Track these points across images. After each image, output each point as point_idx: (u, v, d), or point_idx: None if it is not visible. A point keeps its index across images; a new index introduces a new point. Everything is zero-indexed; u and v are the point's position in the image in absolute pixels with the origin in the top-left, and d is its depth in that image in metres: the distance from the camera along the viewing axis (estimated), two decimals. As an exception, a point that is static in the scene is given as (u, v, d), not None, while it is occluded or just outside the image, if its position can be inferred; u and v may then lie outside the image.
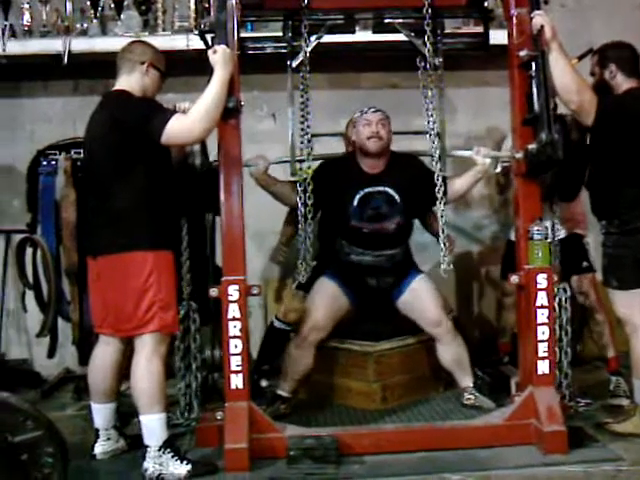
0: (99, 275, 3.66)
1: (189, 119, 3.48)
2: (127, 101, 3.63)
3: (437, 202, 4.03)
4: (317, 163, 4.37)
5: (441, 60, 4.19)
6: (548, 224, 4.11)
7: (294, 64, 4.17)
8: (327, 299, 4.38)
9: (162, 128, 3.46)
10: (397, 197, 4.34)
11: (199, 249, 4.48)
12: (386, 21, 4.31)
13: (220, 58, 3.56)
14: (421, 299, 4.42)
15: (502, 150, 4.55)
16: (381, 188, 4.35)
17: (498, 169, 4.58)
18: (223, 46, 3.59)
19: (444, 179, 4.13)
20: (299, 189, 4.07)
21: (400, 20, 4.28)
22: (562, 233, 4.45)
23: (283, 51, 4.26)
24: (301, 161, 4.16)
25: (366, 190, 4.34)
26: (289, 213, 4.82)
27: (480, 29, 4.46)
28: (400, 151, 4.49)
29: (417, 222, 4.70)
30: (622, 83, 3.95)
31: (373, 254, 4.40)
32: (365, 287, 4.46)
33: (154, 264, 3.55)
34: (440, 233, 4.03)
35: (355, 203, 4.33)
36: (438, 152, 4.09)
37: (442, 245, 4.02)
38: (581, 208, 4.64)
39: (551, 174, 3.97)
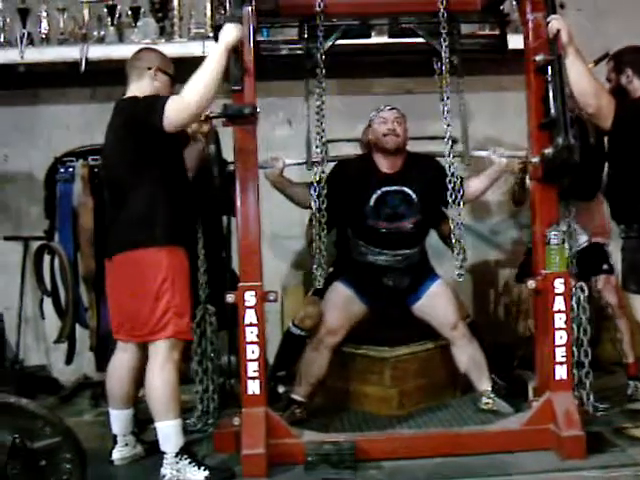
0: (115, 277, 3.69)
1: (183, 96, 3.48)
2: (134, 102, 3.67)
3: (452, 205, 4.04)
4: (332, 164, 4.38)
5: (458, 60, 4.19)
6: (564, 226, 4.11)
7: (308, 66, 4.18)
8: (341, 303, 4.39)
9: (161, 114, 3.47)
10: (414, 196, 4.35)
11: (215, 253, 4.49)
12: (402, 23, 4.31)
13: (222, 33, 3.57)
14: (437, 303, 4.43)
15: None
16: (398, 187, 4.35)
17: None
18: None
19: (461, 179, 4.14)
20: (313, 193, 4.07)
21: (416, 23, 4.28)
22: (584, 239, 4.43)
23: (299, 55, 4.27)
24: (316, 162, 4.15)
25: (383, 189, 4.34)
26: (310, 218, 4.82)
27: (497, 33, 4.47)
28: (417, 152, 4.49)
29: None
30: (639, 87, 3.93)
31: (390, 254, 4.39)
32: (381, 288, 4.43)
33: (169, 268, 3.57)
34: (452, 238, 4.04)
35: (372, 202, 4.33)
36: (452, 154, 4.08)
37: (455, 251, 4.02)
38: (602, 217, 4.62)
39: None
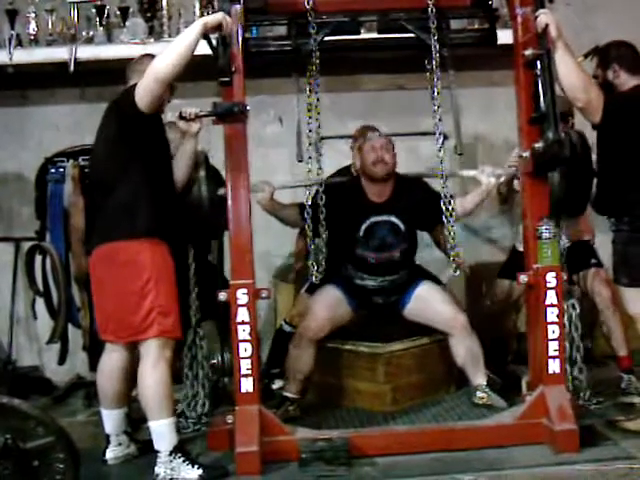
0: (97, 274, 3.67)
1: (148, 69, 3.48)
2: (116, 98, 3.70)
3: (444, 221, 4.05)
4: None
5: (448, 54, 4.19)
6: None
7: (298, 63, 4.19)
8: (327, 302, 4.40)
9: (133, 95, 3.49)
10: (402, 226, 4.41)
11: (207, 267, 4.49)
12: (391, 19, 4.30)
13: None
14: (429, 302, 4.44)
15: (510, 160, 4.55)
16: (386, 217, 4.40)
17: (501, 179, 4.58)
18: None
19: (451, 198, 4.17)
20: (306, 213, 4.09)
21: (405, 19, 4.28)
22: (566, 243, 4.46)
23: (288, 52, 4.26)
24: (306, 186, 4.18)
25: (372, 220, 4.39)
26: (300, 230, 4.83)
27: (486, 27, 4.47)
28: (406, 174, 4.51)
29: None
30: (626, 81, 3.95)
31: (378, 279, 4.46)
32: (370, 303, 4.50)
33: (152, 266, 3.56)
34: (448, 250, 4.08)
35: (361, 233, 4.39)
36: (442, 161, 4.08)
37: (450, 263, 4.06)
38: (585, 219, 4.65)
39: (558, 190, 3.95)
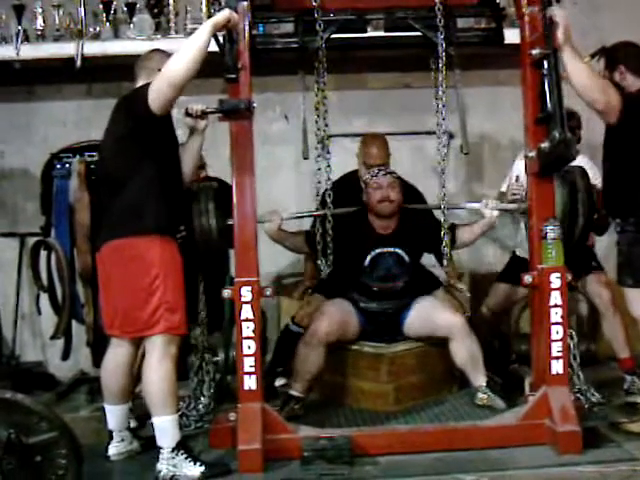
0: (105, 270, 3.67)
1: (162, 72, 3.48)
2: (127, 96, 3.71)
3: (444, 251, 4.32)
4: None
5: (454, 53, 4.19)
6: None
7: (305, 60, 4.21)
8: (341, 308, 4.43)
9: (146, 96, 3.48)
10: (407, 258, 4.46)
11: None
12: (398, 17, 4.30)
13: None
14: (428, 311, 4.46)
15: (513, 189, 4.56)
16: (392, 249, 4.45)
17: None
18: None
19: (453, 227, 4.40)
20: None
21: (412, 17, 4.28)
22: None
23: (294, 50, 4.27)
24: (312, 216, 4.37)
25: (377, 251, 4.44)
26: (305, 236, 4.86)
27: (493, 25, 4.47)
28: (410, 206, 4.55)
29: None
30: (633, 83, 3.94)
31: (382, 303, 4.50)
32: (374, 321, 4.52)
33: (161, 262, 3.56)
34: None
35: (367, 263, 4.42)
36: (444, 159, 4.22)
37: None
38: None
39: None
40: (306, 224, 4.65)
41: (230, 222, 3.87)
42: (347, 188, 4.61)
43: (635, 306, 4.00)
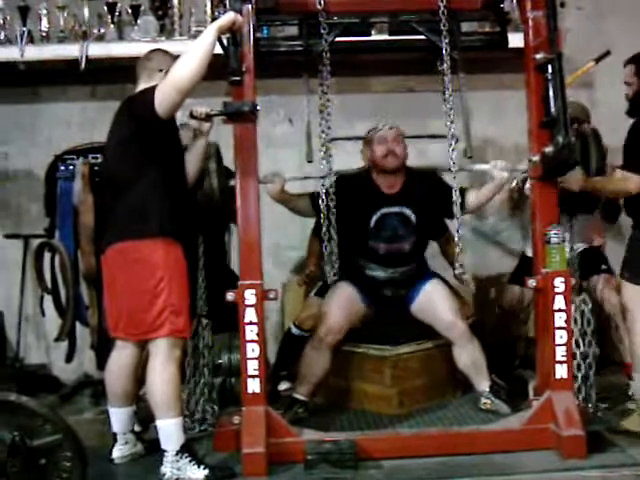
0: (110, 272, 3.68)
1: (169, 76, 3.47)
2: (132, 98, 3.70)
3: (454, 216, 4.06)
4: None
5: (458, 55, 4.18)
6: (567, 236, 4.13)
7: (309, 63, 4.20)
8: (343, 302, 4.40)
9: (152, 100, 3.47)
10: (413, 217, 4.40)
11: (216, 258, 4.49)
12: (402, 20, 4.30)
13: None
14: (435, 302, 4.44)
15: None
16: (397, 209, 4.40)
17: (513, 184, 4.58)
18: None
19: (462, 191, 4.20)
20: (321, 204, 4.09)
21: (417, 21, 4.28)
22: (580, 247, 4.45)
23: (298, 53, 4.27)
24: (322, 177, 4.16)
25: (383, 211, 4.39)
26: (313, 231, 4.83)
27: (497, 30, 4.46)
28: (417, 167, 4.50)
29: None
30: None
31: (388, 270, 4.47)
32: (380, 296, 4.49)
33: (166, 265, 3.57)
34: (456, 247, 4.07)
35: (372, 224, 4.38)
36: (454, 163, 4.06)
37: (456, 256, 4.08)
38: (597, 221, 4.65)
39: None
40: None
41: (232, 183, 3.88)
42: (352, 183, 4.58)
43: (626, 297, 4.08)
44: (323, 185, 4.07)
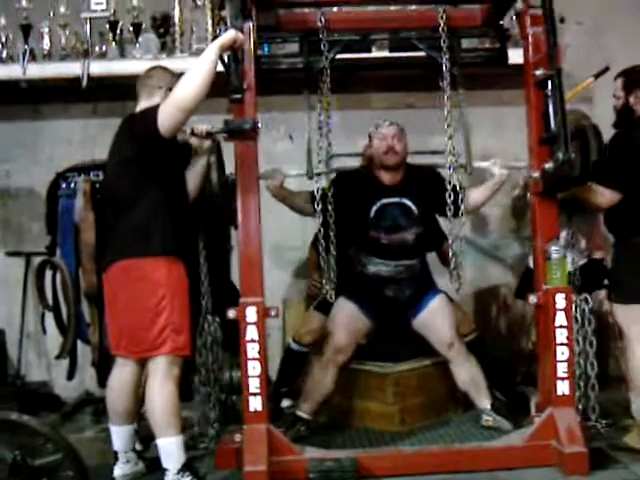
0: (112, 290, 3.68)
1: (173, 97, 3.47)
2: (133, 117, 3.72)
3: (451, 216, 4.10)
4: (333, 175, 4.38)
5: (458, 72, 4.20)
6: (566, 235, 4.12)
7: (310, 80, 4.22)
8: (346, 319, 4.38)
9: (155, 120, 3.48)
10: (414, 208, 4.36)
11: (217, 270, 4.49)
12: (403, 37, 4.33)
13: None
14: (436, 319, 4.42)
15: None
16: (397, 199, 4.37)
17: (516, 192, 4.59)
18: None
19: (462, 189, 4.19)
20: (318, 209, 4.10)
21: (417, 38, 4.30)
22: (582, 260, 4.45)
23: (299, 70, 4.29)
24: (318, 174, 4.18)
25: (383, 201, 4.36)
26: (312, 241, 4.83)
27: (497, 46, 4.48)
28: (417, 164, 4.50)
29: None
30: None
31: (391, 264, 4.40)
32: (382, 300, 4.43)
33: (168, 283, 3.57)
34: (450, 254, 4.11)
35: (372, 214, 4.35)
36: (453, 167, 4.12)
37: (452, 266, 4.12)
38: (599, 232, 4.65)
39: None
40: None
41: (231, 178, 3.89)
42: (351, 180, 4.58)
43: (619, 319, 4.08)
44: (320, 184, 4.10)
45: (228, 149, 3.87)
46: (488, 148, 5.45)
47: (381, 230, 4.36)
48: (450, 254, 4.13)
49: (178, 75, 3.73)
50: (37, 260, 4.93)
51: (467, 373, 4.35)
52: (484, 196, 4.42)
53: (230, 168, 3.93)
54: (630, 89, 4.02)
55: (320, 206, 4.10)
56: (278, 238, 5.37)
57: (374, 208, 4.35)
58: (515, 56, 4.34)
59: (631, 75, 4.08)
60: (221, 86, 3.64)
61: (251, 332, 3.71)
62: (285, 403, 4.73)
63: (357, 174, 4.54)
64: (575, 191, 3.98)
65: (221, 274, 4.55)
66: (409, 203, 4.36)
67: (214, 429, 4.27)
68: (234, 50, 3.61)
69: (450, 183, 4.13)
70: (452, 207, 4.10)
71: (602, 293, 4.65)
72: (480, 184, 4.47)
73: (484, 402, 4.34)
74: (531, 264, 4.73)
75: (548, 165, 3.79)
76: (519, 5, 4.07)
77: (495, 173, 4.32)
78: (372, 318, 4.44)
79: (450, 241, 4.14)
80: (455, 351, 4.36)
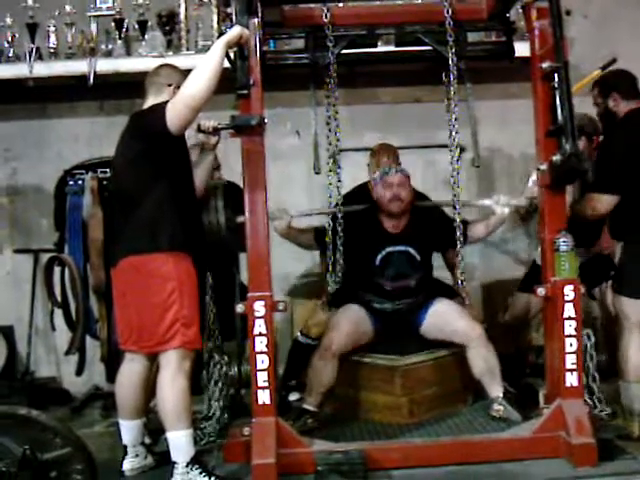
0: (120, 286, 3.70)
1: (181, 93, 3.48)
2: (141, 114, 3.74)
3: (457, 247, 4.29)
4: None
5: (464, 67, 4.21)
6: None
7: (315, 75, 4.24)
8: (353, 317, 4.44)
9: (164, 116, 3.48)
10: (418, 256, 4.48)
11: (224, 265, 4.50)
12: (409, 32, 4.33)
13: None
14: (445, 318, 4.46)
15: (529, 185, 4.59)
16: (402, 248, 4.47)
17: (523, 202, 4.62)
18: None
19: (464, 223, 4.35)
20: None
21: (423, 32, 4.31)
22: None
23: (305, 65, 4.30)
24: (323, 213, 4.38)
25: (388, 250, 4.46)
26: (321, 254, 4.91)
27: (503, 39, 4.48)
28: (421, 204, 4.60)
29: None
30: (625, 106, 4.11)
31: (395, 302, 4.51)
32: (388, 322, 4.53)
33: (177, 277, 3.58)
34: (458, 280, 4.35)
35: (377, 262, 4.44)
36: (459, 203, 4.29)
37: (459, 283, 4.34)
38: (606, 234, 4.65)
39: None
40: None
41: (240, 220, 3.89)
42: (359, 200, 4.62)
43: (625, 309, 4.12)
44: (329, 223, 4.22)
45: (235, 146, 3.86)
46: (495, 141, 5.48)
47: (385, 278, 4.46)
48: (458, 273, 4.33)
49: (185, 72, 3.74)
50: (45, 257, 4.96)
51: (484, 360, 4.34)
52: (486, 232, 4.62)
53: (237, 168, 3.91)
54: (607, 94, 4.18)
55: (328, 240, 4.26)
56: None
57: (379, 257, 4.44)
58: (521, 49, 4.35)
59: (605, 81, 4.26)
60: (227, 82, 3.65)
61: (259, 326, 3.71)
62: (293, 396, 4.74)
63: (363, 216, 4.54)
64: (572, 206, 4.10)
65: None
66: (413, 252, 4.48)
67: (222, 422, 4.28)
68: (240, 46, 3.62)
69: (454, 219, 4.30)
70: (456, 241, 4.29)
71: (610, 284, 4.64)
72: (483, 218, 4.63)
73: (497, 390, 4.33)
74: (538, 260, 4.74)
75: (555, 157, 3.78)
76: (525, -2, 4.06)
77: (497, 212, 4.47)
78: (377, 326, 4.51)
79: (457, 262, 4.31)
80: (476, 334, 4.37)
